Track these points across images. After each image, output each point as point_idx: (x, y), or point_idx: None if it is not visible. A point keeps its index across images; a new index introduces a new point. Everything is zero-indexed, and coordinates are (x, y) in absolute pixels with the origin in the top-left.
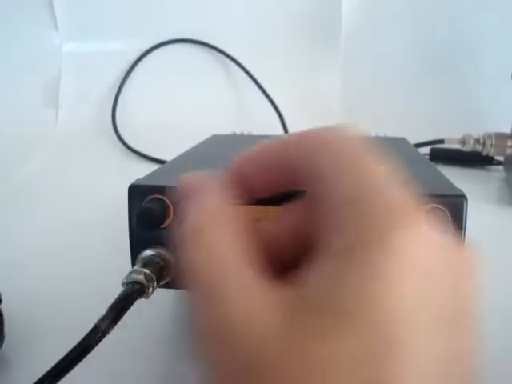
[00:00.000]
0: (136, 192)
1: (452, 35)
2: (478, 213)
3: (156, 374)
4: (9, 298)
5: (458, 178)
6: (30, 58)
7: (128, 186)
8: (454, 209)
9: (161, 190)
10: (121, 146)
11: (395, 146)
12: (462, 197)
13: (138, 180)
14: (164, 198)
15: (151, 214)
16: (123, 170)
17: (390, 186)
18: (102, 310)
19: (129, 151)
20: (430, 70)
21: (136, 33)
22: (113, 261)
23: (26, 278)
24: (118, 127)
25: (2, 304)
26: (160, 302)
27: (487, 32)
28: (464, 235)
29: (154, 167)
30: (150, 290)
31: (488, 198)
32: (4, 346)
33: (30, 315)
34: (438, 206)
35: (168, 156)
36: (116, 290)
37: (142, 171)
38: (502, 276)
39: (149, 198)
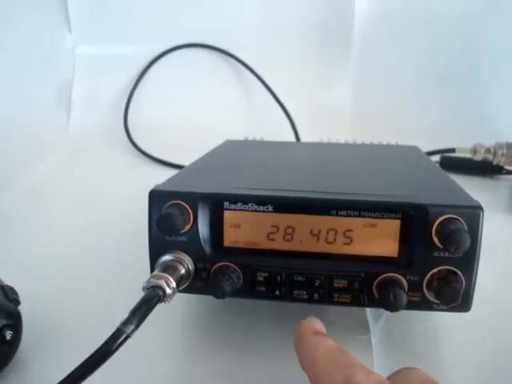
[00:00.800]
0: (156, 197)
1: (464, 47)
2: (488, 221)
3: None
4: (26, 299)
5: (468, 186)
6: (43, 60)
7: (140, 189)
8: (470, 220)
9: (181, 195)
10: (132, 148)
11: (408, 154)
12: (478, 208)
13: (158, 185)
14: (184, 204)
15: (171, 219)
16: (134, 173)
17: None
18: (120, 312)
19: (140, 154)
20: (443, 80)
21: (149, 37)
22: (128, 261)
23: (41, 280)
24: (130, 130)
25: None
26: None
27: (498, 45)
28: (480, 246)
29: (165, 170)
30: (171, 294)
31: (498, 206)
32: (21, 346)
33: (48, 317)
34: (455, 216)
35: (179, 159)
36: (131, 291)
37: (152, 174)
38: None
39: (169, 203)
